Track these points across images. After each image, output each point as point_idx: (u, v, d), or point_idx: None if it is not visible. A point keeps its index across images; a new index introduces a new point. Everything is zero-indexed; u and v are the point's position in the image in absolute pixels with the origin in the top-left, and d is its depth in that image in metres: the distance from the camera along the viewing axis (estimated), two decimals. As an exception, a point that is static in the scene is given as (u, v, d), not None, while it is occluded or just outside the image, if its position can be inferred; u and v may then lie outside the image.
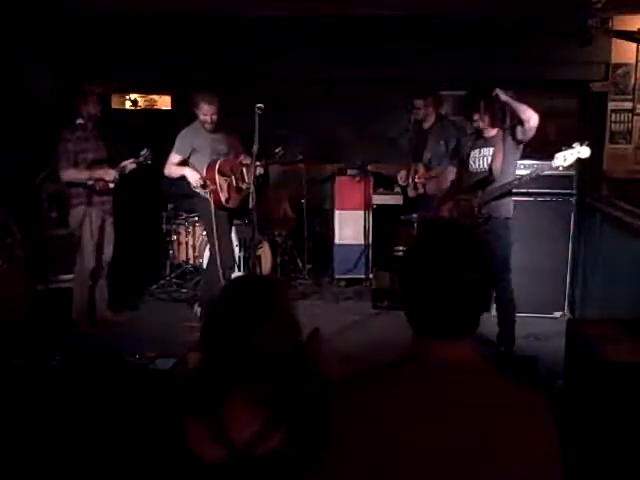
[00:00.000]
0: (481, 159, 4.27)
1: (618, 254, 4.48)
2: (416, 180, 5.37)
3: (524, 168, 4.82)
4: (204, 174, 4.85)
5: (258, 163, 4.90)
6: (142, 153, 4.98)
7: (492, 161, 4.20)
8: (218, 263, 4.89)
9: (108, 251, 5.03)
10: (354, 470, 1.24)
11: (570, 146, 3.92)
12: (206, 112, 4.78)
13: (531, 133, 4.03)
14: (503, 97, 4.05)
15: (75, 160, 4.73)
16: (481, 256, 1.29)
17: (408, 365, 1.31)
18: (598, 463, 2.51)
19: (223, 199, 4.87)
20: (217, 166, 4.83)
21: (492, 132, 4.25)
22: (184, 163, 4.95)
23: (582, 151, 3.91)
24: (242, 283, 1.61)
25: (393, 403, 1.25)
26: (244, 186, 4.97)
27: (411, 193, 5.58)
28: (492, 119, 4.19)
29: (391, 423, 1.23)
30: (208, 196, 4.86)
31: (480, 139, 4.29)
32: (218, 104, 4.80)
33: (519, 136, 4.09)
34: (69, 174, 4.73)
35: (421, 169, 5.35)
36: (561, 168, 4.11)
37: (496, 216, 4.18)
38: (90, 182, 4.77)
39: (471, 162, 4.32)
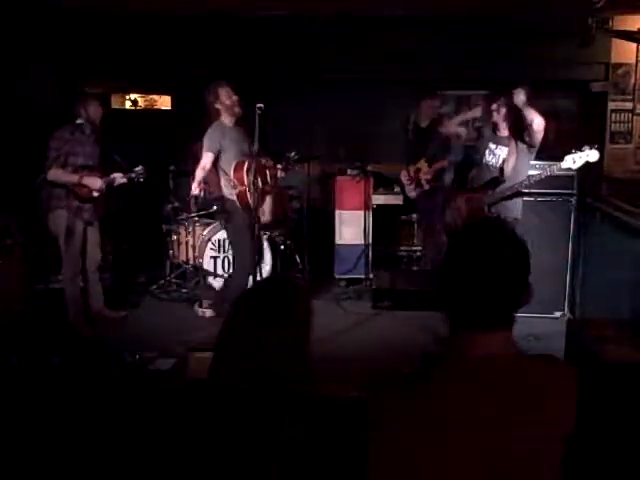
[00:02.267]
0: (495, 155, 4.30)
1: (618, 254, 4.48)
2: (421, 176, 5.38)
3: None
4: (231, 174, 4.70)
5: (280, 166, 4.87)
6: (136, 169, 4.90)
7: (504, 161, 4.23)
8: (245, 265, 4.75)
9: (95, 254, 4.96)
10: (405, 463, 1.26)
11: (580, 149, 3.95)
12: (228, 96, 4.68)
13: (537, 136, 4.06)
14: (516, 99, 4.05)
15: (65, 162, 4.61)
16: (522, 250, 1.35)
17: (449, 362, 1.34)
18: (598, 463, 2.51)
19: (250, 200, 4.66)
20: (246, 166, 4.63)
21: (506, 132, 4.27)
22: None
23: (591, 154, 3.95)
24: (268, 284, 1.65)
25: (441, 401, 1.27)
26: (267, 188, 4.89)
27: (412, 194, 5.59)
28: (507, 115, 4.20)
29: (441, 420, 1.26)
30: (234, 197, 4.72)
31: (497, 135, 4.31)
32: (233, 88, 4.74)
33: (526, 139, 4.14)
34: (55, 173, 4.59)
35: (424, 166, 5.37)
36: (575, 168, 4.13)
37: (505, 216, 4.19)
38: (73, 187, 4.65)
39: (487, 154, 4.34)
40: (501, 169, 4.26)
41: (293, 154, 5.05)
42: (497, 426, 1.24)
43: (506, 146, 4.25)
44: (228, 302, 4.96)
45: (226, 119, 4.76)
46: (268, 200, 5.09)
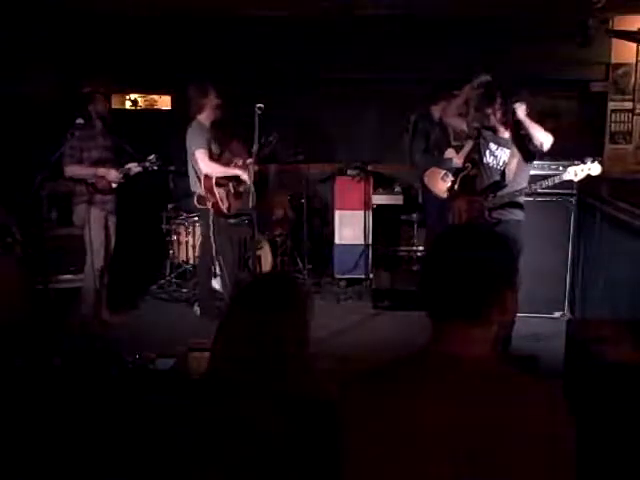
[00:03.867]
0: (496, 157, 4.24)
1: (618, 254, 4.48)
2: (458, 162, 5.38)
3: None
4: (203, 184, 4.81)
5: (249, 162, 4.84)
6: (149, 158, 4.94)
7: (506, 164, 4.19)
8: (220, 271, 4.93)
9: (111, 250, 5.03)
10: (373, 464, 1.25)
11: (582, 161, 3.94)
12: (216, 96, 4.76)
13: (542, 151, 4.04)
14: (521, 115, 4.01)
15: (80, 157, 4.73)
16: (501, 247, 1.35)
17: (424, 360, 1.34)
18: (597, 463, 2.51)
19: (224, 209, 4.85)
20: (214, 179, 4.79)
21: (506, 134, 4.20)
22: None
23: (593, 168, 3.93)
24: (262, 282, 1.65)
25: (412, 395, 1.27)
26: (242, 189, 4.93)
27: (445, 194, 5.54)
28: (503, 118, 4.15)
29: (410, 414, 1.25)
30: (210, 206, 4.85)
31: (498, 136, 4.25)
32: None
33: (530, 148, 4.09)
34: (72, 170, 4.73)
35: (453, 153, 5.39)
36: (576, 180, 4.09)
37: (506, 219, 4.16)
38: (92, 180, 4.76)
39: (488, 155, 4.28)
40: (502, 172, 4.21)
41: (272, 137, 5.06)
42: (466, 432, 1.22)
43: (508, 148, 4.19)
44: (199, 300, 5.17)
45: (205, 119, 4.83)
46: (245, 198, 5.07)
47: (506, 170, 4.18)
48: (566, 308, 5.26)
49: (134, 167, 4.92)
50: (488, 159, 4.27)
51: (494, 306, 1.31)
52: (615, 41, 5.68)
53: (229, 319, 1.55)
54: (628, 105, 5.90)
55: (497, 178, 4.22)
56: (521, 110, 4.02)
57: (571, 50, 5.47)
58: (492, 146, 4.26)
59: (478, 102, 4.37)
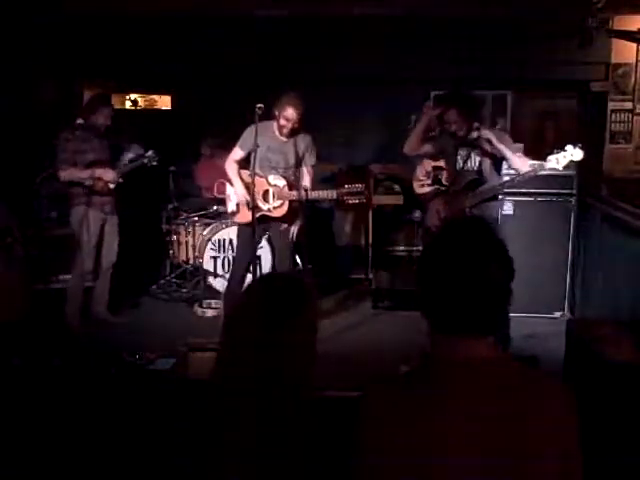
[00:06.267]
0: (471, 158, 4.20)
1: (618, 254, 4.48)
2: (441, 174, 5.30)
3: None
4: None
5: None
6: (147, 154, 4.94)
7: (481, 162, 4.17)
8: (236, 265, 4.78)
9: (111, 253, 5.00)
10: (386, 473, 1.25)
11: (563, 149, 3.90)
12: (289, 117, 4.36)
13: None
14: (495, 141, 3.98)
15: (74, 160, 4.69)
16: (504, 252, 1.30)
17: (431, 367, 1.32)
18: (597, 463, 2.51)
19: (229, 211, 4.74)
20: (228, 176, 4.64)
21: (474, 134, 4.12)
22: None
23: (575, 154, 3.89)
24: (270, 281, 1.63)
25: (421, 406, 1.25)
26: (264, 206, 4.59)
27: (423, 190, 5.43)
28: (468, 123, 4.08)
29: (421, 426, 1.23)
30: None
31: (464, 139, 4.18)
32: (302, 112, 4.40)
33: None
34: (68, 173, 4.69)
35: (443, 164, 5.36)
36: (560, 168, 4.06)
37: (486, 216, 4.16)
38: (89, 182, 4.73)
39: (459, 159, 4.24)
40: (480, 170, 4.19)
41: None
42: (489, 428, 1.21)
43: (477, 148, 4.14)
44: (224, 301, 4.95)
45: (278, 127, 4.51)
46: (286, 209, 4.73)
47: (482, 167, 4.16)
48: (566, 308, 5.27)
49: (131, 165, 4.90)
50: (461, 164, 4.24)
51: (500, 316, 1.31)
52: (615, 41, 5.67)
53: (237, 325, 1.53)
54: (628, 105, 5.89)
55: (475, 176, 4.20)
56: (493, 138, 4.00)
57: (571, 50, 5.46)
58: (461, 152, 4.22)
59: (439, 122, 4.33)
